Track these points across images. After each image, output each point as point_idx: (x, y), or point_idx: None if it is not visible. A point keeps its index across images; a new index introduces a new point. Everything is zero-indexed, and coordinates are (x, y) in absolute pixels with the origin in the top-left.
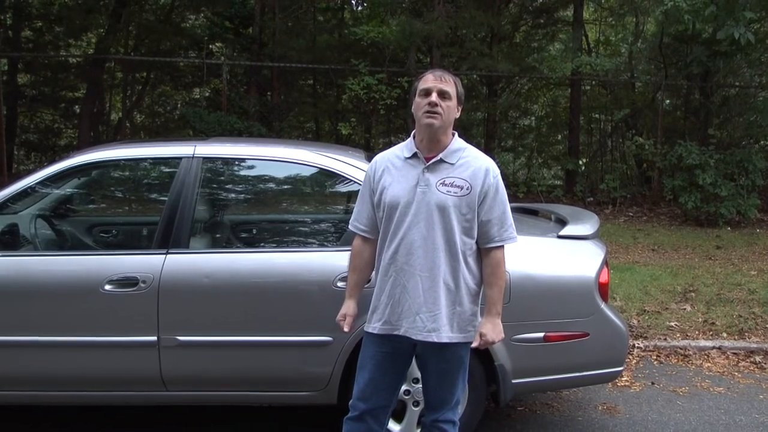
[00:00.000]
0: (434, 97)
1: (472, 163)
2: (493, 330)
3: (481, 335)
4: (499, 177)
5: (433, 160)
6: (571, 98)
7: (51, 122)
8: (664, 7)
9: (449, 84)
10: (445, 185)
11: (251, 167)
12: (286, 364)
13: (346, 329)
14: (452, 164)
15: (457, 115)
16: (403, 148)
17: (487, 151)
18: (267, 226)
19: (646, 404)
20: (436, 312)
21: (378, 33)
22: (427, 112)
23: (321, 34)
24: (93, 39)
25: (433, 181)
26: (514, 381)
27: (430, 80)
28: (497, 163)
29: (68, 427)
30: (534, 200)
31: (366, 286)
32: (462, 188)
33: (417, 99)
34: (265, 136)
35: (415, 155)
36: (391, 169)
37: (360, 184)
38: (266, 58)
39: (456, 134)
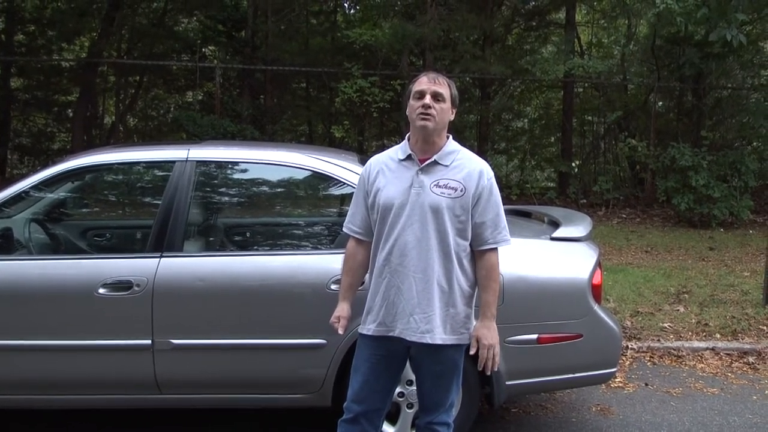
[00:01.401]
0: (428, 99)
1: (466, 165)
2: (488, 333)
3: (477, 339)
4: (493, 179)
5: (428, 162)
6: (563, 100)
7: (44, 126)
8: (657, 9)
9: (443, 86)
10: (439, 187)
11: (245, 170)
12: (280, 366)
13: (340, 331)
14: (446, 166)
15: (452, 117)
16: (398, 150)
17: (480, 153)
18: (261, 229)
19: (640, 405)
20: (429, 313)
21: (371, 36)
22: (421, 114)
23: (314, 37)
24: (86, 43)
25: (427, 182)
26: (507, 383)
27: (424, 82)
28: (491, 166)
29: (64, 427)
30: (527, 202)
31: (360, 288)
32: (456, 190)
33: (411, 101)
34: (258, 140)
35: (409, 157)
36: (385, 171)
37: (353, 187)
38: (259, 61)
39: (450, 137)
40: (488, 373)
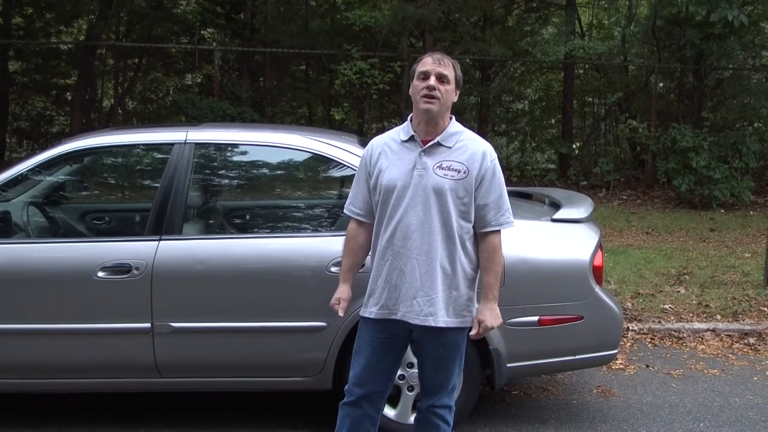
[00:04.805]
0: (432, 80)
1: (470, 147)
2: (491, 315)
3: (479, 322)
4: (497, 161)
5: (431, 144)
6: (564, 82)
7: (43, 109)
8: None
9: (448, 67)
10: (442, 168)
11: (244, 152)
12: (281, 349)
13: (340, 313)
14: (449, 147)
15: (455, 99)
16: (400, 131)
17: (481, 135)
18: (260, 211)
19: (641, 387)
20: (432, 296)
21: (370, 17)
22: (425, 96)
23: (313, 19)
24: (84, 25)
25: (430, 164)
26: (508, 365)
27: (428, 63)
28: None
29: (62, 413)
30: (528, 184)
31: (360, 270)
32: (459, 172)
33: (415, 82)
34: (257, 122)
35: (411, 138)
36: (387, 152)
37: (353, 169)
38: (258, 43)
39: (453, 118)
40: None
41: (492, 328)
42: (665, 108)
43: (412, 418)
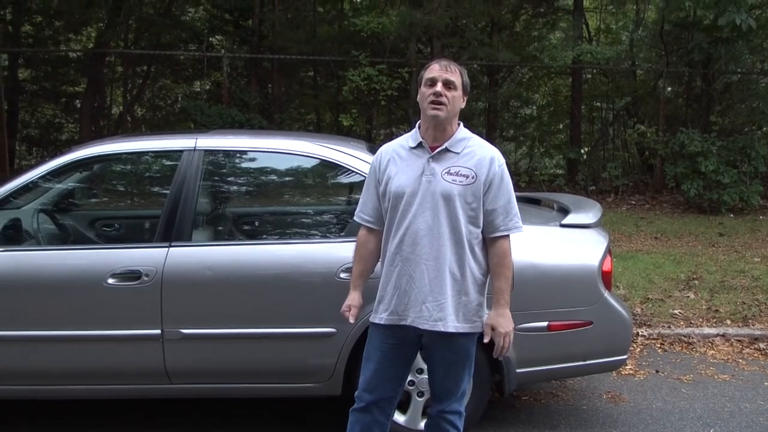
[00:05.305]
0: (439, 87)
1: (478, 152)
2: (503, 321)
3: (492, 327)
4: (504, 166)
5: (439, 149)
6: (572, 87)
7: (52, 117)
8: None
9: (455, 74)
10: (451, 174)
11: (253, 159)
12: (290, 355)
13: (351, 320)
14: (457, 153)
15: (463, 105)
16: (408, 138)
17: (489, 140)
18: (269, 218)
19: (651, 392)
20: (442, 301)
21: (378, 24)
22: (432, 102)
23: (321, 26)
24: (93, 33)
25: (438, 170)
26: (518, 370)
27: (435, 70)
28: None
29: (69, 418)
30: (536, 189)
31: (371, 277)
32: (467, 177)
33: (422, 88)
34: (266, 129)
35: (420, 145)
36: (396, 159)
37: (362, 175)
38: (266, 50)
39: (461, 124)
40: (499, 358)
41: (506, 334)
42: (673, 112)
43: (422, 424)
